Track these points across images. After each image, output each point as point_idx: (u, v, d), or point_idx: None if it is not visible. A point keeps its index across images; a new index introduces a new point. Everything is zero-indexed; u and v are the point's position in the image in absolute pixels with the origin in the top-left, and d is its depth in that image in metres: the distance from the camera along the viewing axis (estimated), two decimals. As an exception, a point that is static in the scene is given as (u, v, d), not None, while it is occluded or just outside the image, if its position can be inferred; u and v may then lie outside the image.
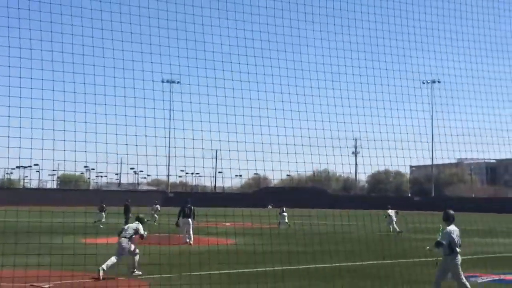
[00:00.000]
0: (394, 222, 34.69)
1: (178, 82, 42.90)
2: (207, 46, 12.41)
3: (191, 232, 24.57)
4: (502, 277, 16.67)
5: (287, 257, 16.67)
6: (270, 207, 79.37)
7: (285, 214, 39.92)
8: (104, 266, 14.14)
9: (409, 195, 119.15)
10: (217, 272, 15.20)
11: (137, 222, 15.81)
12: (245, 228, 26.58)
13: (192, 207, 25.17)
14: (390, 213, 35.36)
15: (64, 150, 10.88)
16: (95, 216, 38.15)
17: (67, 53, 11.23)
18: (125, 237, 15.19)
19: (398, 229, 33.22)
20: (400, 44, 15.18)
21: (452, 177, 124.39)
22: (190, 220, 24.65)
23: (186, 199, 26.18)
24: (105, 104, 11.34)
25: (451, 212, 12.50)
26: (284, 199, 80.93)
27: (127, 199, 37.40)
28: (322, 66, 13.89)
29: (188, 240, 24.17)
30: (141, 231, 15.46)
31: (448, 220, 12.54)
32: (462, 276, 12.07)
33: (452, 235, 12.14)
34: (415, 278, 15.25)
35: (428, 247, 12.79)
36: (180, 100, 12.31)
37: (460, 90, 15.95)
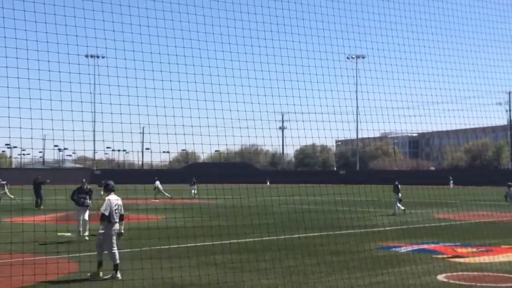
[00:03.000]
0: None
1: (103, 57, 42.24)
2: (133, 20, 12.17)
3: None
4: (423, 246, 17.38)
5: (217, 231, 16.82)
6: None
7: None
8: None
9: (335, 169, 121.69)
10: (148, 248, 15.18)
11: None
12: (175, 204, 26.54)
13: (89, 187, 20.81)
14: None
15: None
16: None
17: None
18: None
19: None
20: (325, 18, 15.32)
21: (377, 151, 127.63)
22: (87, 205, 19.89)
23: (82, 180, 21.18)
24: (29, 79, 10.98)
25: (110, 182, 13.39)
26: (212, 174, 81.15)
27: (37, 176, 37.09)
28: (249, 40, 13.90)
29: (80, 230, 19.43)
30: None
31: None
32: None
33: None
34: (338, 249, 15.68)
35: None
36: (106, 74, 12.01)
37: (383, 64, 16.27)
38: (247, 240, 16.66)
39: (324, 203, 33.66)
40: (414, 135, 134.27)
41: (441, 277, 12.57)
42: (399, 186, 31.88)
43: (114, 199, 13.10)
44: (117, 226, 12.90)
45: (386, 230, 21.35)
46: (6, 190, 41.94)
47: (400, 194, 31.32)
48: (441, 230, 20.93)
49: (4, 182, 43.29)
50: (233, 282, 11.69)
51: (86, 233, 18.93)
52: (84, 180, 20.60)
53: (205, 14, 13.32)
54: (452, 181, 75.19)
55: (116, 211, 12.93)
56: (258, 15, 14.04)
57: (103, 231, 12.81)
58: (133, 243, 15.39)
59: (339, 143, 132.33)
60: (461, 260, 14.90)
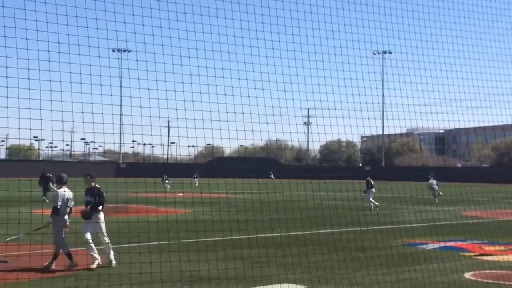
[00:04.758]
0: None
1: (129, 51, 42.49)
2: (158, 13, 12.23)
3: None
4: (450, 244, 17.27)
5: (244, 226, 16.88)
6: (272, 177, 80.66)
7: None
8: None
9: (360, 165, 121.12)
10: (176, 241, 15.31)
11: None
12: (203, 198, 26.63)
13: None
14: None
15: (19, 118, 10.62)
16: None
17: (20, 19, 10.94)
18: None
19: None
20: (352, 14, 15.23)
21: (403, 147, 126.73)
22: None
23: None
24: (60, 72, 11.10)
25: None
26: (237, 169, 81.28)
27: (45, 169, 36.91)
28: (276, 36, 13.88)
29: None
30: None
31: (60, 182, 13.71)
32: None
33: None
34: (365, 245, 15.65)
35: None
36: (134, 68, 12.09)
37: (410, 61, 16.14)
38: (273, 234, 16.71)
39: (350, 199, 33.50)
40: (441, 131, 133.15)
41: (468, 275, 12.49)
42: (372, 181, 32.84)
43: (66, 192, 13.42)
44: (66, 218, 13.24)
45: (412, 226, 21.24)
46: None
47: (373, 189, 32.51)
48: (468, 228, 20.75)
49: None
50: (259, 276, 11.74)
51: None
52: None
53: (232, 9, 13.34)
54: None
55: (68, 205, 13.28)
56: (281, 11, 14.01)
57: (51, 223, 13.14)
58: (160, 236, 15.52)
59: (365, 139, 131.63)
60: (489, 258, 14.78)
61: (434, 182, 39.70)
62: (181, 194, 35.65)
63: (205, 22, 12.81)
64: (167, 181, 55.45)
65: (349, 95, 14.90)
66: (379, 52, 76.75)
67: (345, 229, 19.37)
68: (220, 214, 16.63)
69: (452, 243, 17.31)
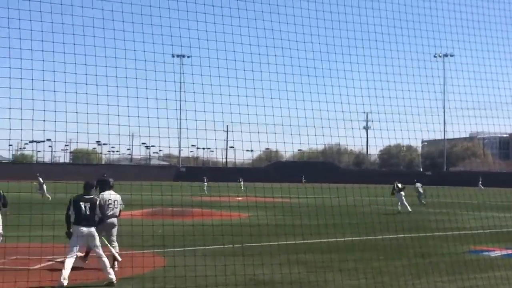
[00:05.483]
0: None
1: (188, 57, 42.84)
2: (217, 19, 12.27)
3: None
4: (517, 251, 16.68)
5: (302, 230, 16.76)
6: (304, 181, 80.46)
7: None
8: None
9: (421, 169, 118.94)
10: (231, 246, 15.30)
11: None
12: (257, 202, 26.63)
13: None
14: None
15: (77, 123, 10.81)
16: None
17: (88, 26, 11.18)
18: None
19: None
20: (414, 17, 14.97)
21: (465, 152, 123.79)
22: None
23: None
24: (116, 77, 11.27)
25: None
26: (295, 173, 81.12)
27: (103, 173, 37.05)
28: (332, 39, 13.74)
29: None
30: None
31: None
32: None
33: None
34: (427, 251, 15.29)
35: None
36: (191, 73, 12.18)
37: (472, 64, 15.72)
38: (332, 239, 16.52)
39: (411, 205, 32.93)
40: (505, 135, 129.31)
41: (536, 284, 12.01)
42: (400, 185, 33.03)
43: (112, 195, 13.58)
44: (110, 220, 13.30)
45: (477, 233, 20.62)
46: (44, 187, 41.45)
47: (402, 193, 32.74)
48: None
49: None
50: (322, 281, 11.60)
51: None
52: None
53: (286, 13, 13.26)
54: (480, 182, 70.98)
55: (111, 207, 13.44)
56: (336, 14, 13.84)
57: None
58: (217, 240, 15.57)
59: (425, 143, 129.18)
60: (558, 266, 14.18)
61: (419, 185, 39.58)
62: (240, 198, 35.74)
63: (259, 26, 12.80)
64: (206, 184, 57.19)
65: (409, 99, 14.64)
66: (440, 55, 75.25)
67: (405, 235, 18.96)
68: (283, 219, 16.58)
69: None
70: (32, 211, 12.13)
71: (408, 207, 31.71)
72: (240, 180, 65.81)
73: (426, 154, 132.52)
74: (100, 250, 11.86)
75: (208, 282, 11.24)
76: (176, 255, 13.39)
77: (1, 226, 13.68)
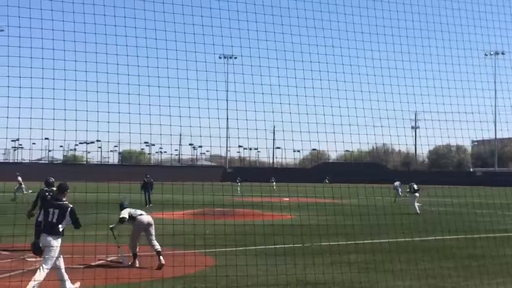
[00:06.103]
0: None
1: (235, 57, 43.15)
2: (267, 18, 12.42)
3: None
4: None
5: (350, 231, 16.76)
6: (327, 181, 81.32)
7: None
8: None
9: (471, 170, 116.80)
10: (281, 246, 15.42)
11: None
12: (309, 203, 26.71)
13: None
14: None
15: (129, 123, 11.08)
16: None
17: (140, 28, 11.46)
18: None
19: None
20: (463, 14, 14.80)
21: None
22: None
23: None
24: (168, 77, 11.51)
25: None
26: (342, 174, 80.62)
27: (146, 174, 37.15)
28: (383, 37, 13.72)
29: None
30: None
31: None
32: None
33: None
34: (476, 252, 15.11)
35: None
36: (240, 73, 12.36)
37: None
38: (380, 240, 16.47)
39: (461, 205, 32.46)
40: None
41: None
42: (415, 186, 32.64)
43: None
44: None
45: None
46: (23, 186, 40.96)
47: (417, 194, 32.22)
48: None
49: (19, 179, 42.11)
50: (367, 282, 11.61)
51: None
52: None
53: (338, 20, 13.31)
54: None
55: None
56: (380, 11, 13.81)
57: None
58: (267, 240, 15.70)
59: (476, 143, 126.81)
60: None
61: (398, 183, 40.30)
62: (287, 199, 35.81)
63: (301, 24, 12.88)
64: (239, 184, 57.26)
65: (459, 97, 14.49)
66: (491, 53, 74.13)
67: (455, 236, 18.76)
68: (326, 219, 16.60)
69: None
70: (86, 211, 12.48)
71: (417, 209, 30.97)
72: (272, 180, 66.01)
73: (476, 154, 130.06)
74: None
75: (259, 281, 11.39)
76: (227, 254, 13.59)
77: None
